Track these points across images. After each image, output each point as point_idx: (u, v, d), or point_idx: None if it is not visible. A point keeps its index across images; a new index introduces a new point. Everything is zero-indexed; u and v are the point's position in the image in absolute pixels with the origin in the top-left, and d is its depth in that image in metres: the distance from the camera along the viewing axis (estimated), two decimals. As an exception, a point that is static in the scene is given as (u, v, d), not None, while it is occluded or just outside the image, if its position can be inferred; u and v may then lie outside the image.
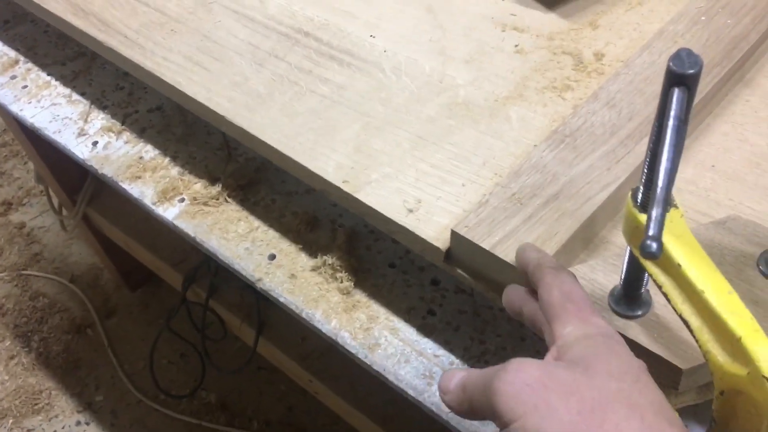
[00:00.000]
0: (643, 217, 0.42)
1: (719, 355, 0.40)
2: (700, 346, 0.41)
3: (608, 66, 0.70)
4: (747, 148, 0.62)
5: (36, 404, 1.47)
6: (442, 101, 0.69)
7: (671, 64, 0.34)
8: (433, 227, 0.59)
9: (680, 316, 0.42)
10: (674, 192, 0.61)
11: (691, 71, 0.34)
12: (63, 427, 1.44)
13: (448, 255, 0.58)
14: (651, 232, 0.33)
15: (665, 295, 0.43)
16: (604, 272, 0.52)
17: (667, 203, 0.34)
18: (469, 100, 0.69)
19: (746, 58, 0.66)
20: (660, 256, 0.33)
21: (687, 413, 0.53)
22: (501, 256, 0.54)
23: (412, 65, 0.72)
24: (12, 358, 1.54)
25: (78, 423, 1.45)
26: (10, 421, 1.44)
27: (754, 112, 0.65)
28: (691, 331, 0.42)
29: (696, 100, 0.62)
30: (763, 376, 0.37)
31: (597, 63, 0.70)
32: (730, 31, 0.66)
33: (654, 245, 0.32)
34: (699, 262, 0.41)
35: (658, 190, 0.34)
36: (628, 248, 0.46)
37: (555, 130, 0.62)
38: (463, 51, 0.73)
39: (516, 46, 0.73)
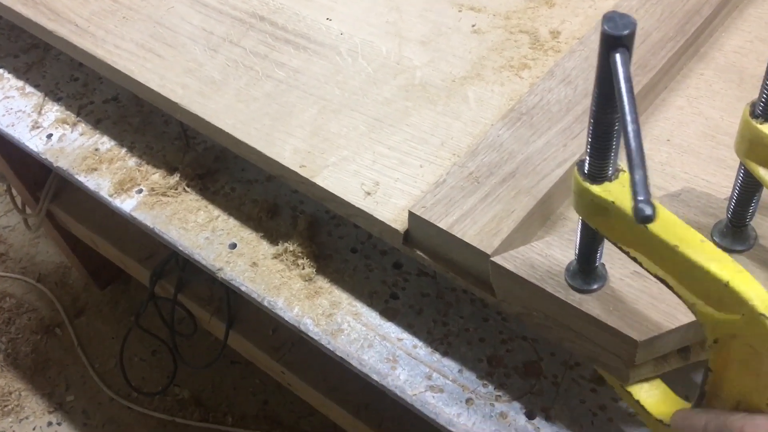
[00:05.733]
0: (594, 189, 0.42)
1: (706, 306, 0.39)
2: (684, 301, 0.40)
3: (564, 43, 0.69)
4: (701, 121, 0.62)
5: (6, 406, 1.45)
6: (399, 83, 0.68)
7: (606, 27, 0.34)
8: (390, 209, 0.59)
9: (656, 276, 0.41)
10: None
11: (627, 31, 0.34)
12: (34, 429, 1.41)
13: (407, 237, 0.58)
14: (640, 197, 0.32)
15: (635, 260, 0.42)
16: (560, 248, 0.52)
17: (645, 164, 0.33)
18: (427, 81, 0.68)
19: (700, 32, 0.66)
20: (655, 218, 0.32)
21: (668, 380, 0.53)
22: (458, 235, 0.54)
23: (369, 47, 0.71)
24: (-20, 360, 1.51)
25: (49, 424, 1.42)
26: (-20, 424, 1.41)
27: (708, 85, 0.65)
28: (670, 288, 0.41)
29: (651, 74, 0.63)
30: (761, 314, 0.36)
31: (553, 41, 0.70)
32: (683, 6, 0.66)
33: (647, 208, 0.31)
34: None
35: (633, 153, 0.33)
36: (580, 223, 0.46)
37: (511, 109, 0.61)
38: (419, 32, 0.73)
39: (473, 26, 0.73)
